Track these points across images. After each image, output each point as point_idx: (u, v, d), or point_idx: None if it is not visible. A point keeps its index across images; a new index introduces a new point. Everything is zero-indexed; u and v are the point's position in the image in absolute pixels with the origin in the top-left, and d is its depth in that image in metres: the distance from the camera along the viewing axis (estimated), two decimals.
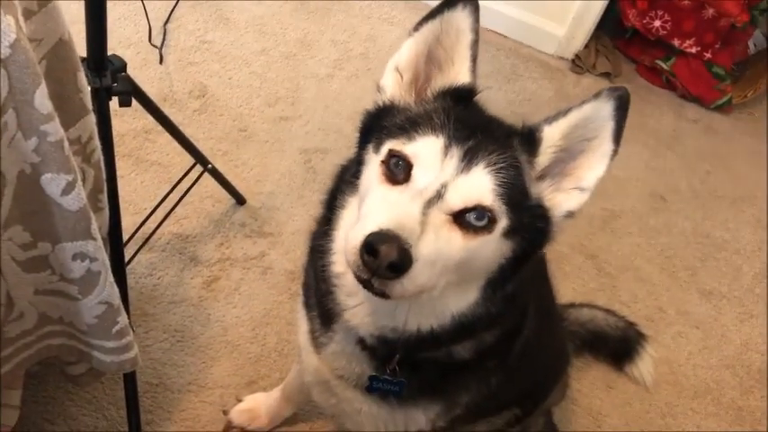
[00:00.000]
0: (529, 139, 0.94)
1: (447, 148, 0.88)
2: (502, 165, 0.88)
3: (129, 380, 1.45)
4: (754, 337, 2.20)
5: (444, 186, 0.86)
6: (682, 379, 2.02)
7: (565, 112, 0.92)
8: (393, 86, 1.02)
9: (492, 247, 0.90)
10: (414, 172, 0.88)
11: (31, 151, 0.96)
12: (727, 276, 2.36)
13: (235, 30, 2.53)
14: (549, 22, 2.96)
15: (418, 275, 0.82)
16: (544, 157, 0.94)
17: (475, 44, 0.99)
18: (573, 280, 2.16)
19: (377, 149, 0.94)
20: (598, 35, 3.03)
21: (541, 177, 0.94)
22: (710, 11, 2.80)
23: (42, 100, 0.92)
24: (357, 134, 1.04)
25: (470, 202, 0.86)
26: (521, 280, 0.98)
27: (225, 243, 1.94)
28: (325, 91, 2.45)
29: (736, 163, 2.84)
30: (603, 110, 0.90)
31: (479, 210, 0.87)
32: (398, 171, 0.89)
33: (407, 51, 1.01)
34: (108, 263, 1.16)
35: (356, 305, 1.01)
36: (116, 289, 1.19)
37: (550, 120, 0.94)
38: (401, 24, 2.84)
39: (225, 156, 2.13)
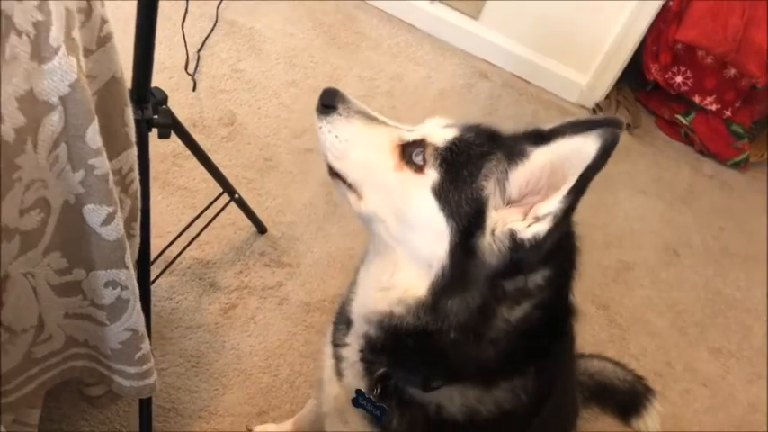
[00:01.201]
0: (516, 152, 0.92)
1: (451, 123, 1.02)
2: (471, 141, 0.96)
3: (145, 405, 1.48)
4: (762, 399, 2.20)
5: (418, 129, 1.02)
6: None
7: (555, 140, 0.89)
8: None
9: (417, 193, 0.95)
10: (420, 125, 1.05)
11: (78, 183, 1.00)
12: (736, 335, 2.37)
13: (266, 60, 2.59)
14: (572, 71, 3.01)
15: (335, 129, 1.04)
16: (521, 173, 0.91)
17: None
18: (583, 330, 2.17)
19: None
20: (620, 86, 3.08)
21: (514, 202, 0.92)
22: (732, 70, 2.84)
23: (94, 136, 0.96)
24: None
25: (419, 137, 0.98)
26: (471, 314, 0.95)
27: (244, 271, 1.97)
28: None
29: (749, 221, 2.86)
30: (586, 148, 0.83)
31: (420, 147, 0.97)
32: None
33: None
34: (137, 291, 1.19)
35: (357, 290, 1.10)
36: (142, 316, 1.23)
37: (542, 144, 0.91)
38: (427, 65, 2.90)
39: (249, 184, 2.17)
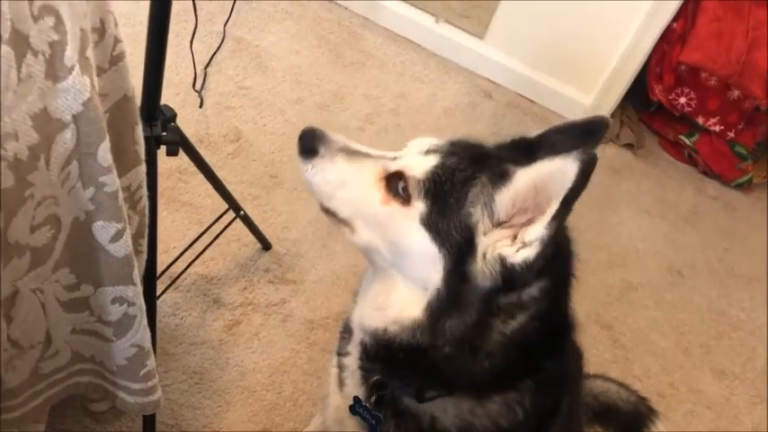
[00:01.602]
0: (501, 174, 0.93)
1: (435, 146, 1.01)
2: (454, 166, 0.96)
3: (149, 421, 1.47)
4: (766, 422, 2.19)
5: (401, 157, 1.02)
6: None
7: (537, 161, 0.90)
8: None
9: (406, 225, 0.96)
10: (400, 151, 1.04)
11: (88, 200, 1.01)
12: (741, 357, 2.37)
13: (273, 78, 2.61)
14: (576, 91, 3.02)
15: (320, 171, 1.04)
16: (506, 195, 0.92)
17: None
18: (587, 350, 2.14)
19: None
20: (623, 106, 3.09)
21: (502, 224, 0.93)
22: (736, 92, 2.85)
23: (105, 153, 0.97)
24: None
25: (399, 169, 0.98)
26: (466, 329, 0.96)
27: (248, 287, 1.97)
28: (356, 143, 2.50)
29: (753, 242, 2.86)
30: (570, 170, 0.83)
31: (403, 180, 0.97)
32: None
33: None
34: (144, 307, 1.20)
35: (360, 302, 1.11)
36: (149, 333, 1.23)
37: (525, 165, 0.92)
38: (432, 83, 2.92)
39: (254, 200, 2.18)
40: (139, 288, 1.16)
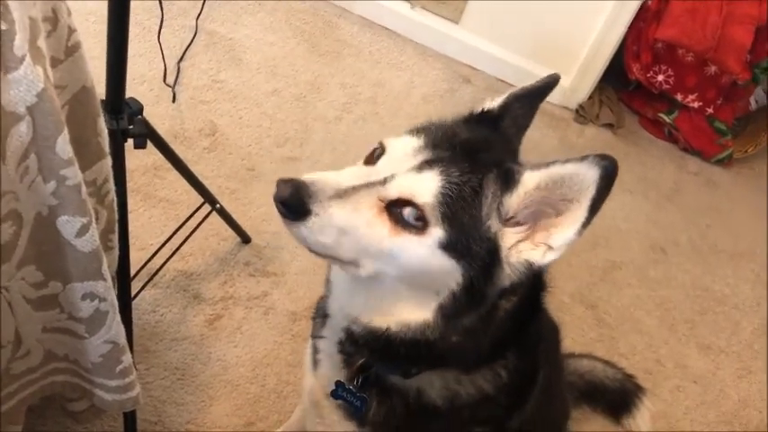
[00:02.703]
0: (506, 175, 0.92)
1: (418, 149, 0.93)
2: (459, 180, 0.90)
3: (130, 419, 1.46)
4: (753, 394, 2.20)
5: (392, 177, 0.90)
6: None
7: (547, 165, 0.91)
8: None
9: (424, 253, 0.90)
10: (381, 159, 0.94)
11: (50, 194, 0.99)
12: (725, 331, 2.37)
13: (247, 70, 2.58)
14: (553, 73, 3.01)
15: (318, 230, 0.89)
16: (515, 199, 0.92)
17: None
18: (572, 330, 2.16)
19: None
20: (602, 87, 3.09)
21: (510, 220, 0.93)
22: (713, 68, 2.85)
23: (64, 146, 0.95)
24: None
25: (404, 195, 0.89)
26: (479, 324, 0.97)
27: (228, 281, 1.96)
28: (333, 133, 2.49)
29: (736, 218, 2.87)
30: (588, 175, 0.85)
31: (412, 206, 0.89)
32: (374, 157, 0.96)
33: None
34: (116, 303, 1.18)
35: (335, 295, 1.08)
36: (122, 328, 1.21)
37: (533, 167, 0.92)
38: (409, 70, 2.90)
39: (232, 194, 2.16)
40: (110, 283, 1.14)
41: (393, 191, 0.90)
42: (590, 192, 0.85)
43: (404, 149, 0.94)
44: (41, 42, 0.89)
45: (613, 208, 2.67)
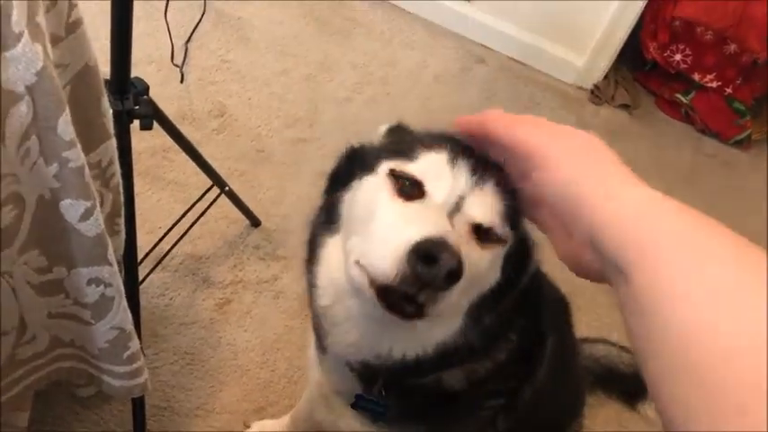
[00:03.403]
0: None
1: (453, 160, 0.85)
2: (508, 184, 0.84)
3: (138, 404, 1.44)
4: None
5: (462, 198, 0.82)
6: None
7: None
8: None
9: (496, 267, 0.87)
10: (427, 187, 0.84)
11: (52, 177, 0.95)
12: None
13: (256, 50, 2.54)
14: (569, 52, 2.96)
15: (459, 288, 0.76)
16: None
17: None
18: (587, 314, 2.13)
19: (372, 172, 0.89)
20: (617, 66, 3.02)
21: None
22: (732, 46, 2.78)
23: (65, 127, 0.92)
24: (330, 174, 1.00)
25: (487, 217, 0.83)
26: (503, 314, 0.94)
27: (238, 265, 1.93)
28: (344, 114, 2.45)
29: (754, 200, 2.80)
30: None
31: (494, 227, 0.83)
32: (409, 188, 0.84)
33: None
34: (122, 288, 1.15)
35: (340, 334, 0.97)
36: (129, 314, 1.19)
37: None
38: (421, 49, 2.85)
39: (242, 176, 2.13)
40: (116, 268, 1.11)
41: (476, 213, 0.82)
42: None
43: (441, 166, 0.85)
44: (40, 19, 0.85)
45: None
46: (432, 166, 0.85)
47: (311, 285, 1.00)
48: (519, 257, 0.90)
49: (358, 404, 1.08)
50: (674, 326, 0.52)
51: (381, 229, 0.81)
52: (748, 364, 0.46)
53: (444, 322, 0.91)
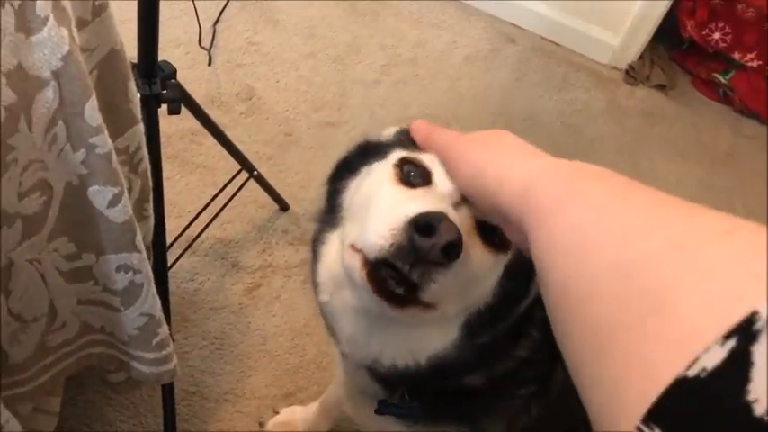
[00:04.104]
0: None
1: None
2: None
3: (168, 390, 1.44)
4: None
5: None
6: None
7: None
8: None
9: (494, 276, 0.81)
10: (435, 177, 0.79)
11: (80, 163, 0.94)
12: None
13: (284, 32, 2.52)
14: (603, 31, 2.88)
15: (456, 275, 0.72)
16: None
17: None
18: None
19: (382, 159, 0.85)
20: (653, 46, 2.94)
21: None
22: None
23: (92, 112, 0.90)
24: (337, 163, 0.96)
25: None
26: (505, 333, 0.89)
27: (267, 249, 1.92)
28: (372, 97, 2.41)
29: None
30: None
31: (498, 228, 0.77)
32: (414, 177, 0.80)
33: None
34: (151, 275, 1.14)
35: (340, 330, 0.93)
36: (158, 301, 1.18)
37: None
38: (451, 29, 2.80)
39: (270, 160, 2.11)
40: (144, 255, 1.10)
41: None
42: None
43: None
44: (66, 2, 0.84)
45: (664, 173, 2.56)
46: None
47: (314, 284, 0.98)
48: (523, 273, 0.82)
49: (381, 410, 1.04)
50: (560, 259, 0.48)
51: (380, 210, 0.77)
52: (652, 271, 0.41)
53: (435, 330, 0.87)
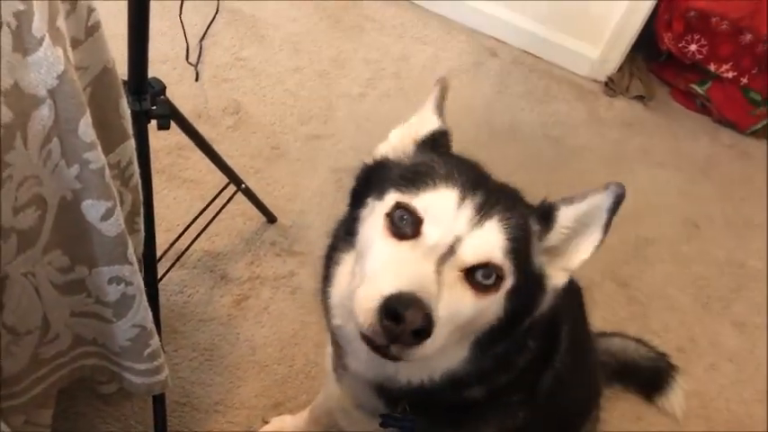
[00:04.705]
0: (546, 214, 0.96)
1: (462, 200, 0.87)
2: (513, 222, 0.89)
3: (158, 400, 1.46)
4: None
5: (458, 240, 0.85)
6: (713, 413, 1.98)
7: (581, 198, 0.94)
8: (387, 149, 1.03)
9: (495, 307, 0.90)
10: (424, 227, 0.86)
11: (74, 178, 0.97)
12: (761, 308, 2.31)
13: (270, 47, 2.55)
14: (582, 44, 2.94)
15: (437, 338, 0.80)
16: (555, 235, 0.96)
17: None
18: (603, 308, 2.12)
19: (380, 198, 0.92)
20: (632, 58, 3.00)
21: (544, 252, 0.96)
22: (748, 36, 2.76)
23: (86, 129, 0.93)
24: (351, 190, 1.04)
25: (483, 258, 0.85)
26: (513, 342, 0.99)
27: (255, 261, 1.94)
28: (358, 110, 2.45)
29: None
30: (604, 202, 0.92)
31: (490, 267, 0.86)
32: (404, 225, 0.87)
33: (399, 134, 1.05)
34: (143, 287, 1.16)
35: (354, 351, 1.01)
36: (149, 312, 1.20)
37: (567, 201, 0.96)
38: (434, 44, 2.84)
39: (257, 173, 2.14)
40: (136, 267, 1.13)
41: (469, 256, 0.85)
42: (605, 216, 0.93)
43: (447, 206, 0.87)
44: (60, 23, 0.87)
45: (645, 182, 2.61)
46: (436, 204, 0.87)
47: (326, 307, 1.03)
48: (529, 291, 0.93)
49: (386, 423, 1.09)
50: None
51: (370, 272, 0.86)
52: None
53: (446, 354, 0.93)
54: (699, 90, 2.97)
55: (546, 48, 2.97)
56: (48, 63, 0.84)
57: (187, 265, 1.87)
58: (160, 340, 1.28)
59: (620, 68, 2.97)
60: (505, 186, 0.98)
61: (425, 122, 1.03)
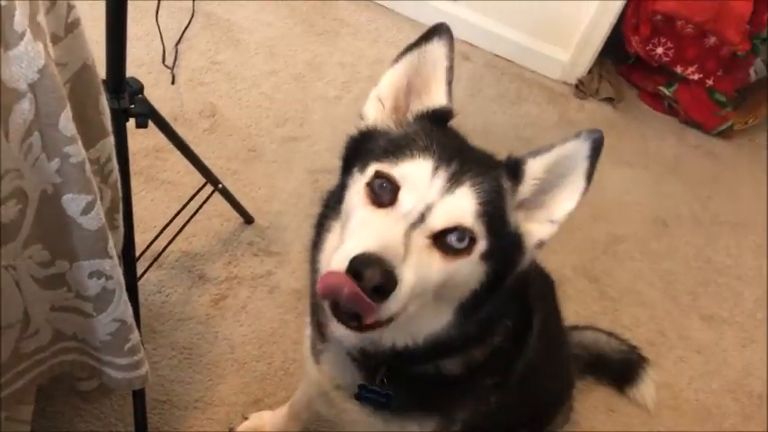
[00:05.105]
0: (514, 169, 0.97)
1: (435, 169, 0.91)
2: (485, 187, 0.92)
3: (138, 397, 1.47)
4: (755, 363, 2.21)
5: (429, 208, 0.89)
6: (683, 403, 2.03)
7: (548, 148, 0.96)
8: (375, 114, 1.06)
9: (469, 270, 0.93)
10: (400, 195, 0.91)
11: (54, 172, 0.99)
12: (728, 301, 2.38)
13: (245, 51, 2.58)
14: (553, 48, 3.00)
15: (401, 297, 0.83)
16: (526, 188, 0.98)
17: (450, 70, 1.06)
18: (575, 303, 2.17)
19: (362, 171, 0.96)
20: (601, 61, 3.07)
21: (519, 207, 0.98)
22: (712, 39, 2.84)
23: (66, 123, 0.95)
24: (340, 160, 1.07)
25: (452, 223, 0.89)
26: (496, 305, 1.01)
27: (233, 261, 1.96)
28: (333, 113, 2.48)
29: (737, 189, 2.87)
30: (581, 150, 0.94)
31: (460, 230, 0.89)
32: (383, 193, 0.91)
33: (388, 82, 1.09)
34: (123, 281, 1.18)
35: None
36: (129, 307, 1.22)
37: (534, 153, 0.98)
38: None
39: (234, 175, 2.16)
40: (116, 261, 1.14)
41: (438, 222, 0.88)
42: (585, 163, 0.94)
43: (422, 175, 0.91)
44: (41, 18, 0.89)
45: (614, 181, 2.67)
46: (414, 172, 0.91)
47: (313, 271, 1.06)
48: (505, 253, 0.95)
49: (362, 395, 1.12)
50: None
51: (347, 237, 0.90)
52: None
53: (432, 315, 0.97)
54: (666, 92, 3.05)
55: (517, 52, 3.02)
56: (29, 57, 0.86)
57: (165, 266, 1.89)
58: (140, 337, 1.30)
59: (590, 71, 3.04)
60: (483, 153, 1.01)
61: (434, 97, 1.05)
